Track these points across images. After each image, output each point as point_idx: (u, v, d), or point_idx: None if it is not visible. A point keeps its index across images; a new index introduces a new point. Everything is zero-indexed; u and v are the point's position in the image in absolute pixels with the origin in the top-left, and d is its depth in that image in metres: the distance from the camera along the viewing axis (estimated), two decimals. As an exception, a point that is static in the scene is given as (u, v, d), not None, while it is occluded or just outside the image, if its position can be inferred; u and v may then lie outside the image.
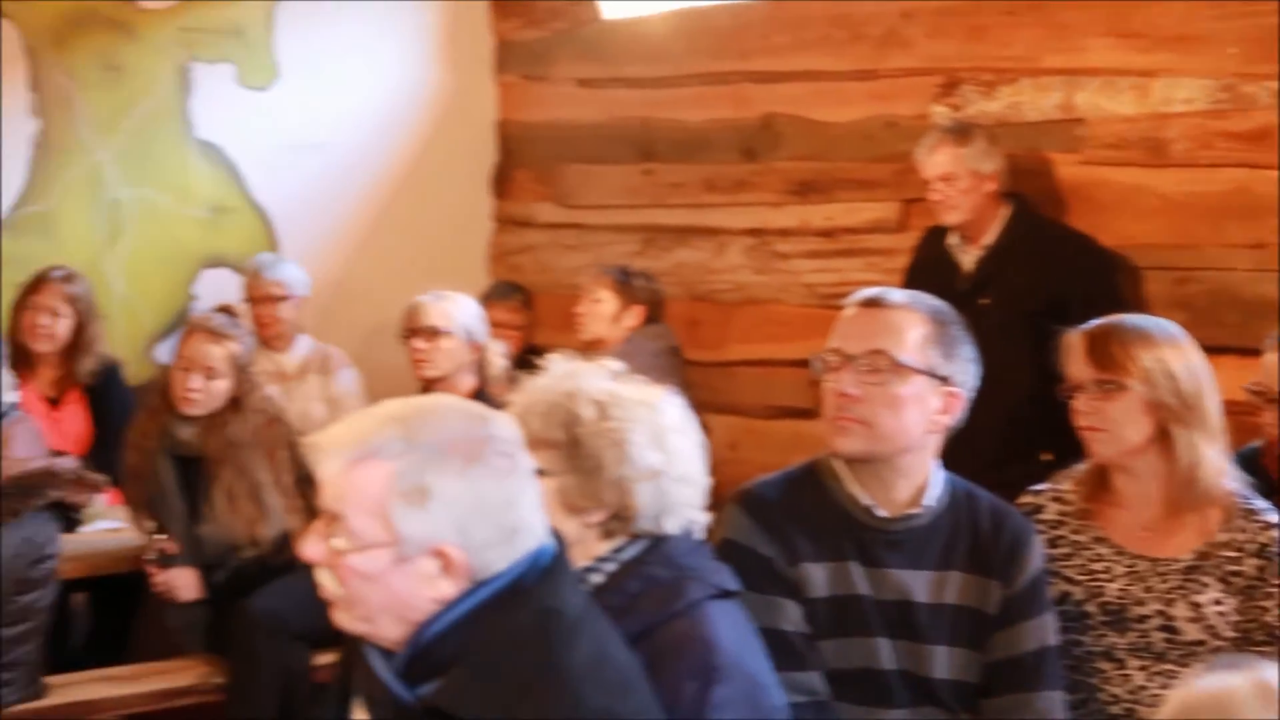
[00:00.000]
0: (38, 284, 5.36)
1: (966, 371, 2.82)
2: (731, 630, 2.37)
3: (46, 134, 5.96)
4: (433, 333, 4.93)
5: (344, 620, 2.07)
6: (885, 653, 2.79)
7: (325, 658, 4.17)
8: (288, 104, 6.45)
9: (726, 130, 5.97)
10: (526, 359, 5.34)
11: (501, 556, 2.03)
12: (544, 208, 6.73)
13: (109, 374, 5.45)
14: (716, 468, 2.58)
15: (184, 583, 4.30)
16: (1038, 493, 3.14)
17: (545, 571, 2.05)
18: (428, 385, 4.93)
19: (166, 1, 6.17)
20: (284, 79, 6.43)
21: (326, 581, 2.07)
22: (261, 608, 4.18)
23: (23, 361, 5.14)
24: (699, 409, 2.58)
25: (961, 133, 4.87)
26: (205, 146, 6.29)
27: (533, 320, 6.31)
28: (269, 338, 5.77)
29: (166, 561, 4.33)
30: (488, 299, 6.03)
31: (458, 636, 2.00)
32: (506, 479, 2.04)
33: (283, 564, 4.28)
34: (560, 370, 2.50)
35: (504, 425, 2.11)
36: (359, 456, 2.03)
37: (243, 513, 4.33)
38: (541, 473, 2.22)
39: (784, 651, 2.65)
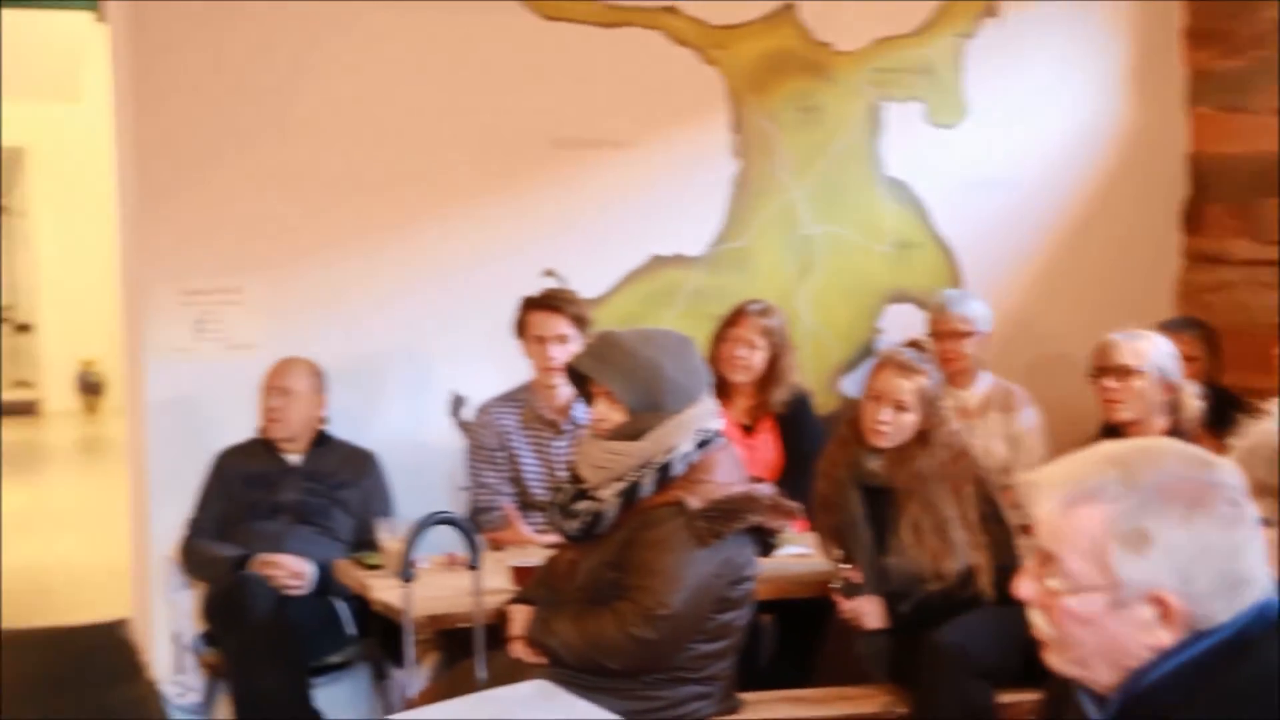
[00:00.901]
0: (736, 317, 5.60)
1: None
2: None
3: (745, 174, 6.25)
4: (1125, 371, 4.80)
5: (1056, 662, 2.06)
6: None
7: (1007, 696, 4.14)
8: (975, 141, 6.51)
9: None
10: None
11: (1224, 608, 1.96)
12: (1240, 244, 6.46)
13: (800, 404, 5.62)
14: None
15: (870, 611, 4.37)
16: None
17: (1274, 626, 1.97)
18: (1116, 427, 4.81)
19: (860, 43, 6.35)
20: (972, 116, 6.49)
21: (1039, 622, 2.06)
22: (946, 641, 4.17)
23: (721, 390, 5.36)
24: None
25: None
26: (893, 184, 6.43)
27: (1211, 356, 6.02)
28: (952, 373, 5.75)
29: (851, 590, 4.41)
30: (1163, 330, 5.81)
31: (1176, 687, 1.95)
32: (1232, 527, 1.97)
33: (967, 599, 4.29)
34: (1285, 416, 2.39)
35: (1229, 471, 2.04)
36: (1076, 497, 2.02)
37: (928, 546, 4.35)
38: (1266, 522, 2.13)
39: None
